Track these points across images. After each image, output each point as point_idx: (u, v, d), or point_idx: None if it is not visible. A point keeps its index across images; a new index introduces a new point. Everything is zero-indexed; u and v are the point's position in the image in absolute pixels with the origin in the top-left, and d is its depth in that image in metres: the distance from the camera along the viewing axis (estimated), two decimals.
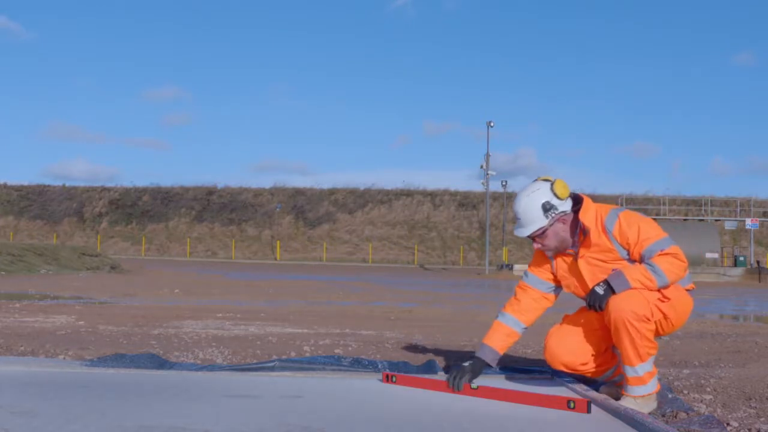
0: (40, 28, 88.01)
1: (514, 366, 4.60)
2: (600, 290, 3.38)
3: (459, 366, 3.68)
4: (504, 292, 18.28)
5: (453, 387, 3.55)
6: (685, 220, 41.06)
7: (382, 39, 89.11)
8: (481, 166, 39.36)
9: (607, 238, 3.45)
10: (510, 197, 52.81)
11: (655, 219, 38.43)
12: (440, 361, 4.75)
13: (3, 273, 18.28)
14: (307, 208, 56.13)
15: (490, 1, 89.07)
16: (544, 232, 3.51)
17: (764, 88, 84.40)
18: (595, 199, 3.70)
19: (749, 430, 3.05)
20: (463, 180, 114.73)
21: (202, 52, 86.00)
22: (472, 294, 16.85)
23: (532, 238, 3.57)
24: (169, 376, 3.92)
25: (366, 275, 28.45)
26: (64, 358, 4.72)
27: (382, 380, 3.84)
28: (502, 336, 3.73)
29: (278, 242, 51.61)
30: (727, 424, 3.11)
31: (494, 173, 39.95)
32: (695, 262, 33.11)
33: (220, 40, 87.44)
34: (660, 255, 3.35)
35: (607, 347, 3.63)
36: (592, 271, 3.52)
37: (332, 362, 4.38)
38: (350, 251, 52.04)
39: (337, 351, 5.37)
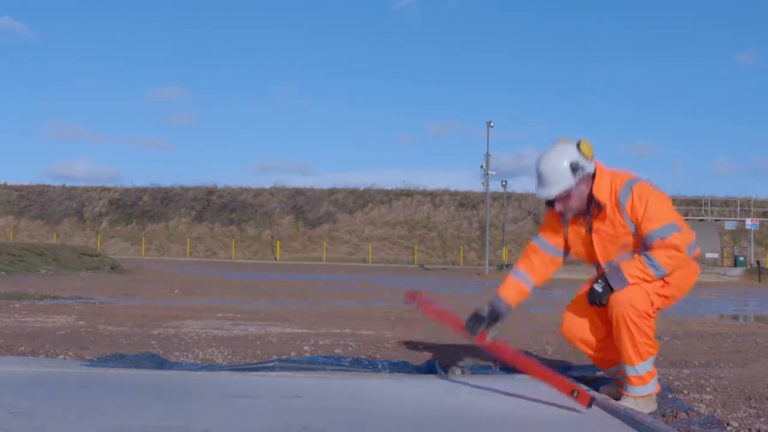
0: (42, 28, 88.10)
1: (514, 366, 4.60)
2: (599, 288, 3.39)
3: (476, 313, 3.64)
4: None
5: (470, 332, 3.56)
6: (685, 220, 40.93)
7: (385, 39, 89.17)
8: (482, 166, 39.31)
9: (620, 214, 3.43)
10: (510, 197, 52.81)
11: None
12: (440, 361, 4.74)
13: (3, 273, 18.27)
14: (307, 208, 56.11)
15: (493, 1, 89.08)
16: (569, 193, 3.47)
17: (765, 88, 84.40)
18: None
19: (749, 430, 3.05)
20: (463, 180, 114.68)
21: (203, 52, 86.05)
22: (472, 294, 16.83)
23: (554, 200, 3.50)
24: (169, 376, 3.92)
25: (366, 275, 28.44)
26: (64, 358, 4.72)
27: (405, 300, 3.84)
28: (515, 292, 3.74)
29: (278, 242, 51.59)
30: (727, 424, 3.11)
31: (494, 173, 39.88)
32: None
33: (221, 40, 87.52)
34: (660, 244, 3.33)
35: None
36: (604, 245, 3.51)
37: (332, 362, 4.38)
38: (350, 251, 52.01)
39: (337, 351, 5.37)
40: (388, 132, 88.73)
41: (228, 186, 59.12)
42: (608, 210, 3.45)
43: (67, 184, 60.34)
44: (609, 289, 3.36)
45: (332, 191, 57.99)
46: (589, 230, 3.56)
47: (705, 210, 42.05)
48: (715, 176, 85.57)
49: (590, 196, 3.50)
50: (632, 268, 3.35)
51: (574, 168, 3.42)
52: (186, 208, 56.69)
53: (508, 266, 36.59)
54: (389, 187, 58.18)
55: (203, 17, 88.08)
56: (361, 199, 57.05)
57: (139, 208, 56.95)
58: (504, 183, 48.60)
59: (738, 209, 42.70)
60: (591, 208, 3.52)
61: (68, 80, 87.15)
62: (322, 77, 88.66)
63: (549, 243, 3.73)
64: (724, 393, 3.83)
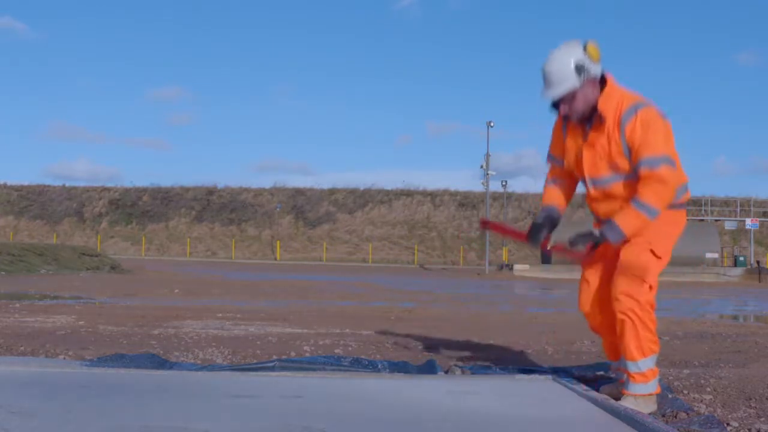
0: (43, 28, 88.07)
1: (515, 366, 4.61)
2: (597, 233, 3.39)
3: (534, 224, 3.64)
4: (504, 291, 18.28)
5: (534, 240, 3.58)
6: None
7: (385, 39, 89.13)
8: (482, 166, 39.35)
9: (619, 132, 3.37)
10: (510, 197, 52.81)
11: None
12: (440, 361, 4.74)
13: (3, 273, 18.27)
14: (307, 208, 56.11)
15: (494, 1, 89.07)
16: (574, 95, 3.41)
17: (766, 88, 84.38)
18: None
19: (749, 430, 3.05)
20: (463, 180, 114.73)
21: (203, 52, 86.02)
22: (472, 294, 16.84)
23: (559, 102, 3.45)
24: (169, 376, 3.92)
25: (366, 275, 28.45)
26: (64, 358, 4.72)
27: (479, 226, 3.93)
28: (559, 196, 3.71)
29: (278, 242, 51.59)
30: (727, 424, 3.11)
31: (494, 173, 39.89)
32: (695, 263, 33.08)
33: (221, 40, 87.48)
34: (647, 174, 3.27)
35: None
36: (594, 159, 3.48)
37: (332, 362, 4.38)
38: (350, 251, 52.01)
39: (337, 351, 5.37)
40: (388, 132, 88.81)
41: (228, 186, 59.16)
42: (608, 124, 3.40)
43: (67, 184, 60.38)
44: (605, 239, 3.36)
45: (332, 191, 57.99)
46: (585, 140, 3.50)
47: (705, 210, 42.05)
48: (715, 176, 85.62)
49: (595, 106, 3.44)
50: (627, 218, 3.32)
51: (579, 68, 3.37)
52: (186, 208, 56.69)
53: (509, 266, 36.59)
54: (389, 187, 58.25)
55: (203, 17, 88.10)
56: (361, 199, 57.06)
57: (139, 208, 56.95)
58: (504, 183, 48.63)
59: (738, 209, 42.73)
60: (593, 118, 3.46)
61: (68, 80, 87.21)
62: (322, 77, 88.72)
63: (556, 157, 3.72)
64: (724, 393, 3.83)
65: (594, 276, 3.64)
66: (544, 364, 4.89)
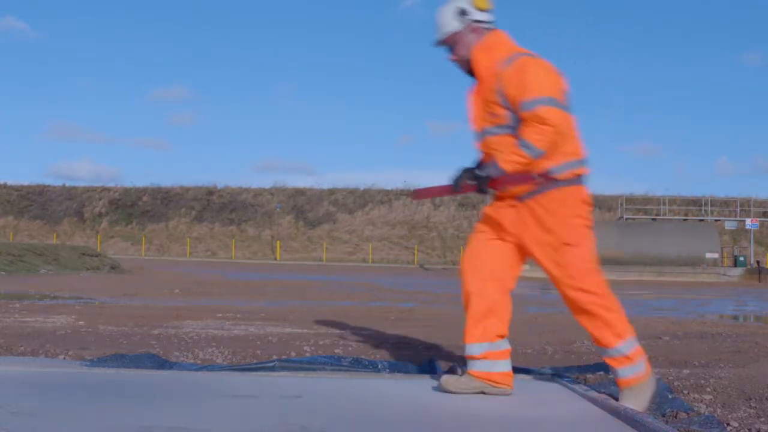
0: (44, 28, 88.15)
1: (515, 366, 4.59)
2: (481, 173, 3.38)
3: (460, 170, 3.55)
4: None
5: (455, 185, 3.51)
6: (685, 220, 41.05)
7: (386, 39, 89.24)
8: None
9: (495, 81, 3.33)
10: None
11: (654, 219, 38.50)
12: (440, 361, 4.74)
13: (3, 273, 18.27)
14: (307, 208, 56.11)
15: (497, 1, 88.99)
16: (456, 40, 3.46)
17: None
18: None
19: (749, 430, 3.05)
20: None
21: (203, 52, 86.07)
22: None
23: (449, 48, 3.50)
24: (169, 376, 3.93)
25: (366, 275, 28.45)
26: (64, 358, 4.72)
27: (413, 198, 3.86)
28: None
29: (278, 242, 51.59)
30: (727, 424, 3.11)
31: None
32: (695, 263, 33.09)
33: (222, 40, 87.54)
34: (527, 116, 3.20)
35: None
36: (477, 110, 3.46)
37: (332, 362, 4.38)
38: (350, 251, 52.01)
39: (337, 351, 5.37)
40: (389, 132, 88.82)
41: (228, 186, 59.16)
42: (487, 73, 3.36)
43: (67, 184, 60.39)
44: (489, 177, 3.33)
45: (332, 191, 58.00)
46: (475, 86, 3.49)
47: (705, 210, 42.05)
48: (716, 176, 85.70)
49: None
50: (506, 155, 3.27)
51: (461, 13, 3.43)
52: (186, 208, 56.69)
53: None
54: (389, 187, 58.27)
55: (204, 17, 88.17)
56: (361, 199, 57.07)
57: (139, 208, 56.95)
58: None
59: (738, 209, 42.71)
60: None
61: (68, 80, 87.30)
62: (323, 77, 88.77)
63: None
64: (724, 393, 3.83)
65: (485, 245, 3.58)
66: (544, 364, 4.89)
